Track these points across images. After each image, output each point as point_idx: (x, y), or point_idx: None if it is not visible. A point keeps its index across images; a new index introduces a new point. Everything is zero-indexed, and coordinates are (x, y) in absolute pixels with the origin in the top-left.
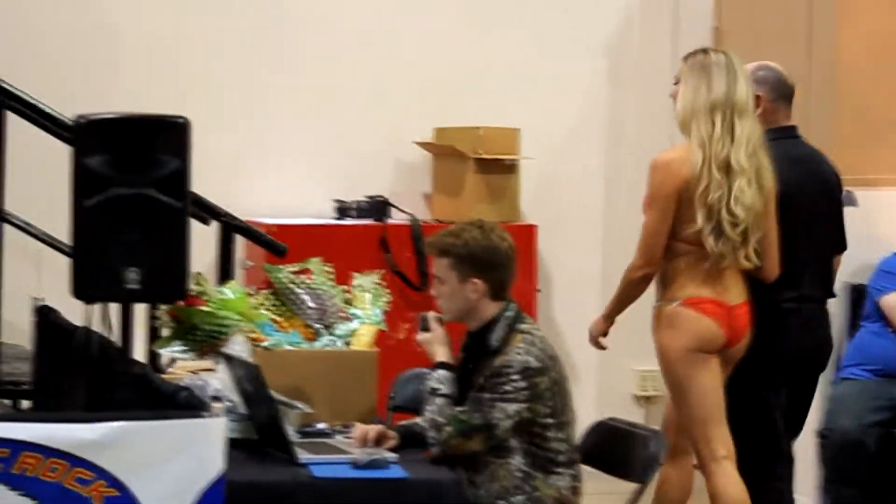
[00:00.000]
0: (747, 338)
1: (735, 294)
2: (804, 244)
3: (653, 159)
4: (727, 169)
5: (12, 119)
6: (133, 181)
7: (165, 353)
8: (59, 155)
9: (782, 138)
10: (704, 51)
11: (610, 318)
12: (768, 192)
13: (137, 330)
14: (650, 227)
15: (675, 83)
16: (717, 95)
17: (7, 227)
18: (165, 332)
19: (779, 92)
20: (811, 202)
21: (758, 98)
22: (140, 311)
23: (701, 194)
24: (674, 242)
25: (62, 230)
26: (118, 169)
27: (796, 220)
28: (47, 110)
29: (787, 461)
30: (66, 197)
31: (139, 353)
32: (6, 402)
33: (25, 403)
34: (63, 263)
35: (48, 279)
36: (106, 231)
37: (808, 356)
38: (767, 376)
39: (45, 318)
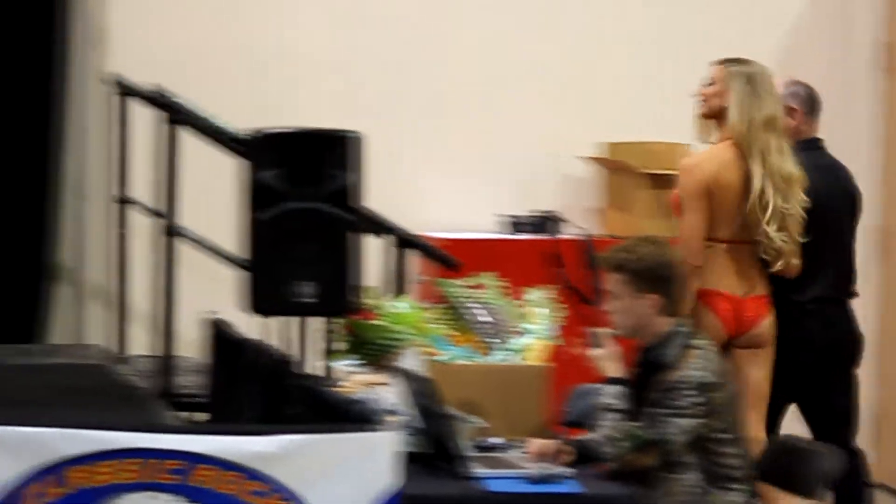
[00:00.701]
0: (765, 326)
1: (758, 287)
2: (830, 248)
3: (680, 163)
4: (788, 179)
5: (186, 134)
6: (306, 195)
7: (340, 366)
8: (232, 169)
9: (810, 149)
10: (744, 61)
11: None
12: None
13: (311, 343)
14: (688, 226)
15: (710, 84)
16: (768, 112)
17: (181, 242)
18: (340, 346)
19: (810, 106)
20: (838, 209)
21: (793, 110)
22: (314, 324)
23: (760, 200)
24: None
25: (236, 244)
26: (291, 183)
27: (824, 226)
28: (221, 125)
29: (851, 453)
30: (240, 211)
31: (313, 366)
32: (181, 414)
33: (200, 416)
34: (237, 277)
35: (222, 293)
36: (279, 245)
37: (833, 351)
38: (797, 373)
39: (219, 331)
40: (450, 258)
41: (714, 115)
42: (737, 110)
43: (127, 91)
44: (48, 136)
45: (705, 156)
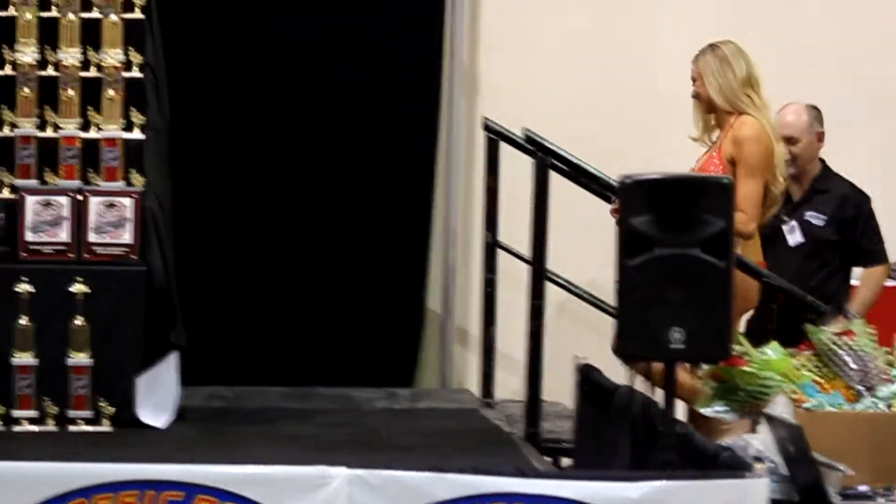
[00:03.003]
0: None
1: None
2: None
3: (747, 133)
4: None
5: (555, 178)
6: (677, 241)
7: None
8: (598, 214)
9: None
10: (711, 45)
11: None
12: None
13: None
14: (757, 194)
15: (694, 82)
16: (742, 75)
17: (549, 286)
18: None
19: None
20: None
21: (823, 134)
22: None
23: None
24: None
25: (603, 289)
26: (663, 229)
27: None
28: (591, 170)
29: None
30: (606, 256)
31: (680, 412)
32: (546, 459)
33: (565, 461)
34: (604, 322)
35: (590, 338)
36: (650, 291)
37: None
38: None
39: (587, 376)
40: (818, 305)
41: (711, 106)
42: (713, 86)
43: (497, 135)
44: (426, 182)
45: (759, 126)
